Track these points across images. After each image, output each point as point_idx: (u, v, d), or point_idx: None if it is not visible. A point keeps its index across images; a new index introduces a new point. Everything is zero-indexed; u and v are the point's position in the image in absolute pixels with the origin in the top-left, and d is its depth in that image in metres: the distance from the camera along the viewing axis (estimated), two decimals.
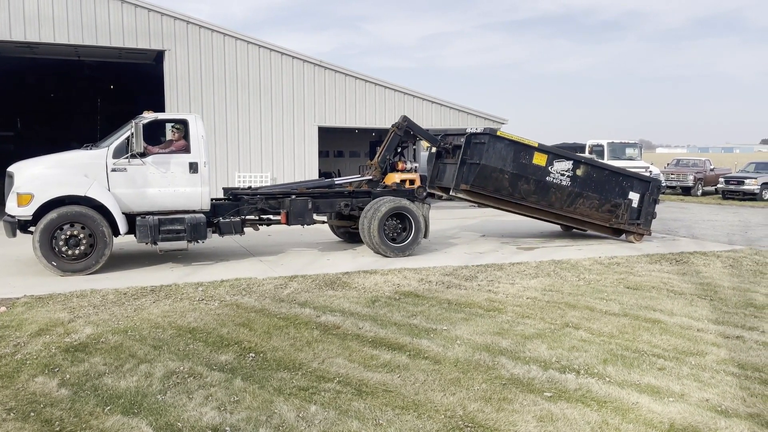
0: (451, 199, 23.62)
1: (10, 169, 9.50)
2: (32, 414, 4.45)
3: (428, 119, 20.41)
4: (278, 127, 18.70)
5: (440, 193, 14.00)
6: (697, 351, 6.01)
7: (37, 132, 29.43)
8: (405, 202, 11.34)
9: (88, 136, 27.13)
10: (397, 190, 12.23)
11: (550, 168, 12.15)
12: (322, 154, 24.17)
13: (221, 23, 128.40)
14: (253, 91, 18.28)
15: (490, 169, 11.77)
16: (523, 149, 12.01)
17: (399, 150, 12.80)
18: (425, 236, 11.53)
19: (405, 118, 12.39)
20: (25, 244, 11.53)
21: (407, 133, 12.60)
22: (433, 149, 13.34)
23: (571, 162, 12.37)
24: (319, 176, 19.52)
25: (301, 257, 11.02)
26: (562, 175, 12.25)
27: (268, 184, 17.94)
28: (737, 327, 6.85)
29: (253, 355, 5.71)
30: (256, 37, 21.07)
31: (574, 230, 14.38)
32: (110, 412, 4.49)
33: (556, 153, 12.37)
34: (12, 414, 4.44)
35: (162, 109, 16.77)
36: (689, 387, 5.10)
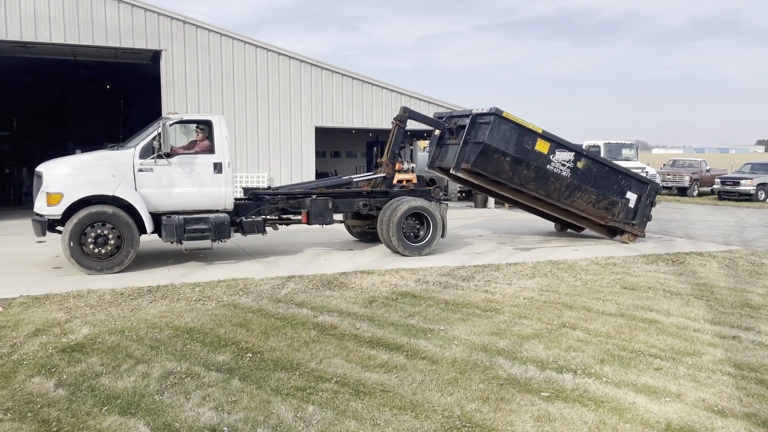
0: (449, 199, 23.76)
1: (38, 168, 9.60)
2: (29, 414, 4.44)
3: None
4: (275, 127, 18.69)
5: (440, 175, 13.98)
6: (693, 351, 6.02)
7: (33, 132, 29.34)
8: (423, 202, 11.42)
9: (84, 136, 27.08)
10: (415, 190, 12.30)
11: (551, 156, 12.06)
12: (319, 154, 24.16)
13: (219, 23, 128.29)
14: (250, 92, 18.26)
15: (492, 149, 11.64)
16: (527, 134, 11.89)
17: (397, 150, 12.82)
18: (443, 236, 11.62)
19: (405, 109, 12.37)
20: (21, 244, 11.53)
21: (406, 134, 12.64)
22: (436, 132, 13.29)
23: (573, 153, 12.29)
24: (316, 177, 19.52)
25: (298, 258, 11.02)
26: (563, 165, 12.17)
27: (266, 184, 17.92)
28: (733, 327, 6.87)
29: (251, 355, 5.70)
30: (254, 37, 21.03)
31: (570, 231, 14.39)
32: (107, 412, 4.48)
33: (559, 142, 12.23)
34: (9, 414, 4.43)
35: (159, 110, 16.74)
36: (686, 387, 5.11)
